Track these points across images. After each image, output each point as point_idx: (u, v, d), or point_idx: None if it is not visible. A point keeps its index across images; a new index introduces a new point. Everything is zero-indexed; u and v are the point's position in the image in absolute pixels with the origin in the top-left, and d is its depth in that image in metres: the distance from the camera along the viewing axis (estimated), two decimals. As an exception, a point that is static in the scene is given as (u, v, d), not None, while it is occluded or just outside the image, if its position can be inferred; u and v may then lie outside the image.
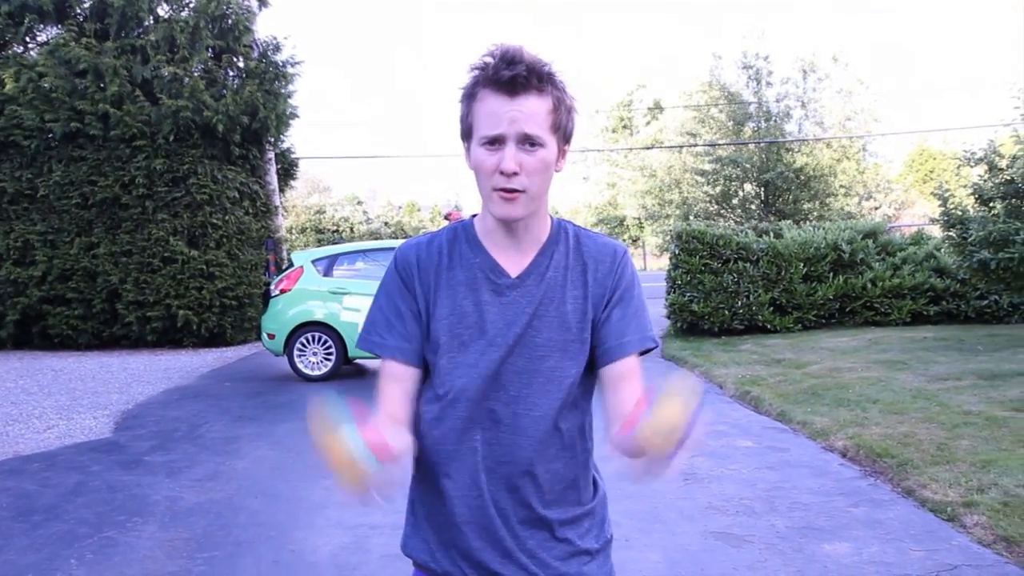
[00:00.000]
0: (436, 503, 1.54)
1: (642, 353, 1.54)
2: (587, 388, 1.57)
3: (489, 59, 1.42)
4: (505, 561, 1.51)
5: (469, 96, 1.45)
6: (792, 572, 3.90)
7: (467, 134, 1.47)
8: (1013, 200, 9.51)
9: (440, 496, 1.53)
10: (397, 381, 1.52)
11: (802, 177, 26.67)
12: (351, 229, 31.58)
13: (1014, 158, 9.82)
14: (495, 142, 1.41)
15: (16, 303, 13.42)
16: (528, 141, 1.41)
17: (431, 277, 1.53)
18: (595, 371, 1.55)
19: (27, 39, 14.02)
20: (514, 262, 1.53)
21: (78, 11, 13.88)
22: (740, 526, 4.53)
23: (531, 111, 1.40)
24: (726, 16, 73.02)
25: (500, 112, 1.40)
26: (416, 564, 1.59)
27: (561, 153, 1.49)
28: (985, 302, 11.97)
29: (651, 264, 41.62)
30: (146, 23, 13.88)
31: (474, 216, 1.60)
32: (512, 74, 1.39)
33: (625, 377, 1.50)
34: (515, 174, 1.41)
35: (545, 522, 1.53)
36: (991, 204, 9.85)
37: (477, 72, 1.44)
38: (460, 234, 1.57)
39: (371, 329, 1.56)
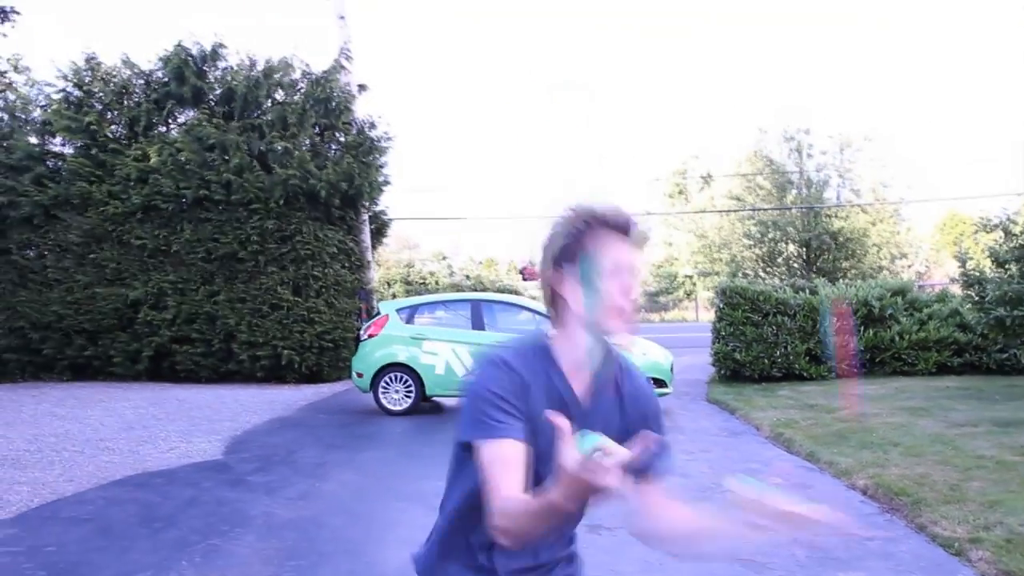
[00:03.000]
0: (473, 568, 1.59)
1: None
2: None
3: (602, 209, 1.50)
4: None
5: (581, 233, 1.49)
6: (808, 597, 3.85)
7: (564, 258, 1.51)
8: (1025, 263, 9.29)
9: (477, 566, 1.59)
10: (517, 465, 1.42)
11: (839, 239, 26.24)
12: (436, 282, 32.05)
13: (1026, 225, 9.61)
14: (618, 274, 1.47)
15: (151, 342, 13.94)
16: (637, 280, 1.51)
17: (521, 398, 1.48)
18: None
19: (168, 121, 14.79)
20: (581, 385, 1.54)
21: (210, 97, 14.62)
22: (764, 554, 4.46)
23: (641, 259, 1.51)
24: (770, 91, 72.57)
25: (625, 255, 1.49)
26: None
27: None
28: (1005, 355, 11.55)
29: (702, 316, 41.07)
30: (264, 105, 14.52)
31: (549, 335, 1.57)
32: (644, 235, 1.51)
33: (659, 492, 1.60)
34: (636, 300, 1.49)
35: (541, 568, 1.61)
36: (1006, 266, 9.60)
37: (594, 216, 1.50)
38: (541, 355, 1.53)
39: (485, 423, 1.44)
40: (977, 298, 9.95)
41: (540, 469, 1.46)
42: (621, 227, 1.49)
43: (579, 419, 1.48)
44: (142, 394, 12.22)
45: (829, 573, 4.17)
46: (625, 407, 1.58)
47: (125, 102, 14.59)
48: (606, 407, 1.56)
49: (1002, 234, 9.87)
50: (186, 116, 14.76)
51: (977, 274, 10.01)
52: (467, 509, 1.55)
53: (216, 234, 13.93)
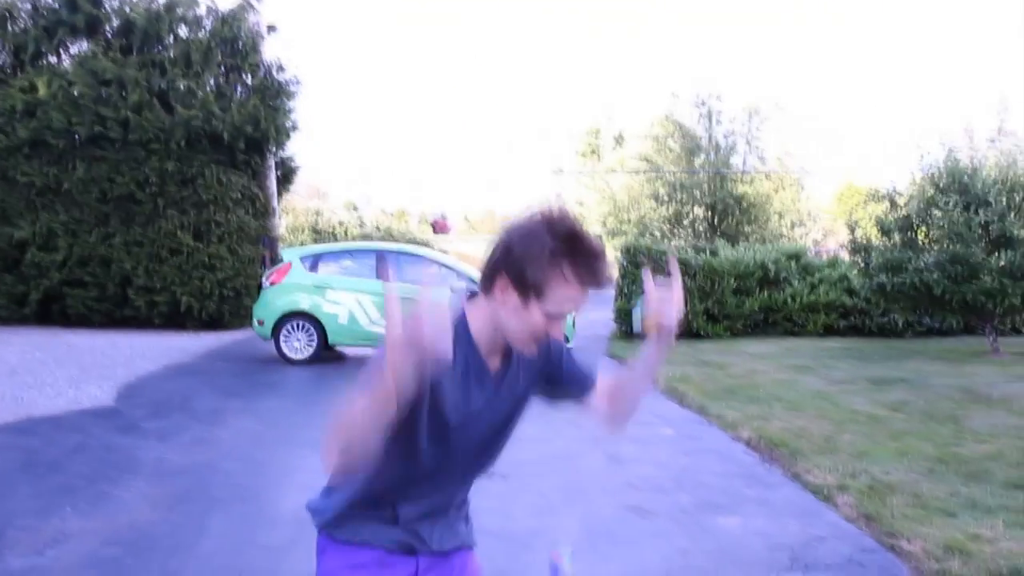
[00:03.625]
0: (374, 511, 1.61)
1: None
2: None
3: (575, 237, 1.40)
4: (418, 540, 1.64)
5: (554, 264, 1.40)
6: (688, 539, 4.05)
7: (531, 288, 1.41)
8: (908, 233, 9.79)
9: (383, 509, 1.61)
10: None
11: (744, 204, 27.06)
12: (345, 232, 31.51)
13: (910, 197, 10.10)
14: (557, 317, 1.44)
15: (39, 284, 13.31)
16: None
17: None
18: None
19: (59, 50, 13.97)
20: (494, 358, 1.56)
21: (106, 28, 13.87)
22: (651, 501, 4.68)
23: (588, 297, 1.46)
24: (685, 53, 73.63)
25: (578, 301, 1.43)
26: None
27: None
28: (886, 319, 12.26)
29: (610, 274, 41.80)
30: (166, 41, 13.88)
31: (465, 303, 1.55)
32: (606, 284, 1.43)
33: (600, 388, 1.73)
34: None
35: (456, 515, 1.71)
36: (890, 235, 10.11)
37: (568, 248, 1.40)
38: (459, 326, 1.49)
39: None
40: (863, 264, 10.46)
41: (451, 417, 1.51)
42: (588, 281, 1.41)
43: (494, 385, 1.57)
44: (29, 338, 11.69)
45: (709, 518, 4.38)
46: (537, 363, 1.63)
47: (9, 27, 13.66)
48: (516, 370, 1.60)
49: (888, 204, 10.39)
50: (79, 47, 13.97)
51: (864, 242, 10.51)
52: (375, 471, 1.55)
53: (112, 174, 13.33)
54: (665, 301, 1.56)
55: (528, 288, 1.41)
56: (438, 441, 1.54)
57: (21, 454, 5.48)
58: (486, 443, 1.64)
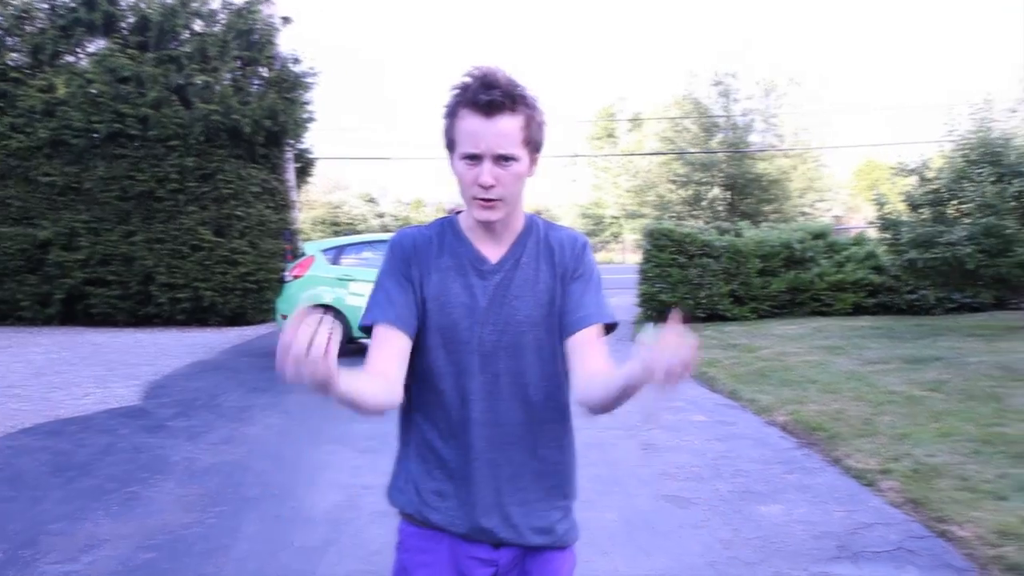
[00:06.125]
0: (431, 464, 1.55)
1: (608, 331, 1.58)
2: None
3: (468, 80, 1.43)
4: (490, 514, 1.53)
5: (450, 114, 1.46)
6: (730, 530, 3.94)
7: (450, 147, 1.49)
8: (938, 207, 9.56)
9: (436, 457, 1.55)
10: (387, 342, 1.49)
11: (763, 182, 26.71)
12: (364, 224, 31.62)
13: (940, 170, 9.86)
14: (474, 158, 1.43)
15: (63, 284, 13.38)
16: (503, 158, 1.43)
17: (424, 261, 1.54)
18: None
19: (77, 50, 13.96)
20: (494, 251, 1.55)
21: (123, 25, 13.85)
22: (688, 490, 4.57)
23: (505, 131, 1.41)
24: (700, 33, 72.92)
25: (478, 132, 1.41)
26: (405, 515, 1.59)
27: (533, 161, 1.50)
28: (915, 296, 12.02)
29: (628, 258, 41.56)
30: (182, 36, 13.84)
31: (458, 213, 1.61)
32: (489, 99, 1.40)
33: (588, 343, 1.53)
34: (492, 186, 1.43)
35: (531, 477, 1.56)
36: (920, 210, 9.88)
37: (457, 93, 1.45)
38: (447, 227, 1.58)
39: (372, 305, 1.55)
40: (892, 241, 10.24)
41: (443, 320, 1.52)
42: (472, 102, 1.42)
43: (493, 274, 1.54)
44: (54, 339, 11.73)
45: (749, 506, 4.27)
46: (554, 259, 1.57)
47: (28, 28, 13.67)
48: (528, 263, 1.55)
49: (917, 179, 10.15)
50: (97, 46, 13.96)
51: (893, 218, 10.28)
52: (407, 399, 1.57)
53: (132, 171, 13.33)
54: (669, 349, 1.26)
55: (448, 148, 1.49)
56: (450, 346, 1.51)
57: (51, 456, 5.46)
58: (510, 349, 1.52)
